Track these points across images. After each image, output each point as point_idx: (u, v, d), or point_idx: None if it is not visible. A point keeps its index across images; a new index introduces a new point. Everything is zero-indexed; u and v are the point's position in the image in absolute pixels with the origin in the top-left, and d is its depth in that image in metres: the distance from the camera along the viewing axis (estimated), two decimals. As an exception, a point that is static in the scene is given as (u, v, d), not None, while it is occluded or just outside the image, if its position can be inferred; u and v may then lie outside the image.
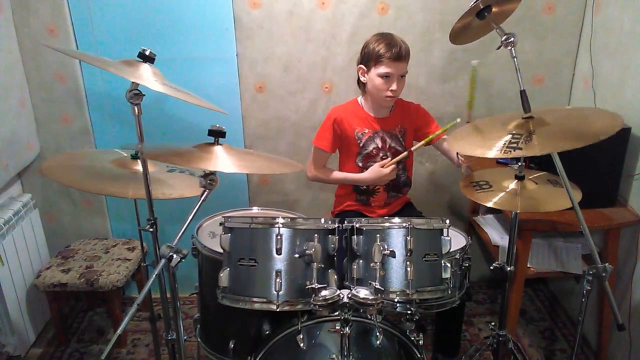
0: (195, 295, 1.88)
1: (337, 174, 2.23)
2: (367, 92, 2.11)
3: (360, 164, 2.20)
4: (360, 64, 2.08)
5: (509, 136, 1.45)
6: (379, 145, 2.16)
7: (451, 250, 1.55)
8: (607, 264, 1.48)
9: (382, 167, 2.12)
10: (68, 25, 2.34)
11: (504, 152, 1.40)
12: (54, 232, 2.70)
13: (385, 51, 1.96)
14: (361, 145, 2.16)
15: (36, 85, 2.45)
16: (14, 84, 2.34)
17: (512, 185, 1.80)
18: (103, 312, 2.75)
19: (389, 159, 2.15)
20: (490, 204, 1.75)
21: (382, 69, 1.99)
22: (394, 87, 2.01)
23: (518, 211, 1.75)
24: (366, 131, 2.15)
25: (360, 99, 2.19)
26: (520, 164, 1.80)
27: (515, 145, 1.40)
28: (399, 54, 1.97)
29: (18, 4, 2.30)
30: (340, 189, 2.32)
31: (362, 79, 2.10)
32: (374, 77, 2.02)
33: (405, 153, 2.14)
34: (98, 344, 2.53)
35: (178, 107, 2.47)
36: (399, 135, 2.19)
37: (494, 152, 1.42)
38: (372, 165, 2.16)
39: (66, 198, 2.66)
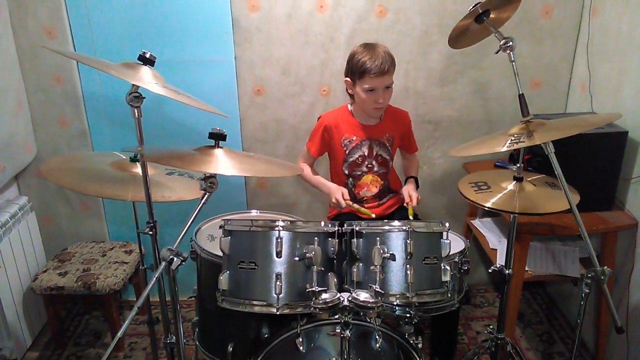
0: (192, 298, 1.87)
1: (310, 175, 2.26)
2: (355, 101, 2.13)
3: (347, 171, 2.22)
4: (347, 77, 2.10)
5: (512, 138, 1.51)
6: (365, 154, 2.18)
7: (450, 254, 1.55)
8: (605, 267, 1.48)
9: (344, 198, 2.08)
10: (66, 27, 2.33)
11: (508, 146, 1.47)
12: (50, 235, 2.68)
13: (368, 66, 1.97)
14: (347, 152, 2.18)
15: (33, 87, 2.44)
16: (11, 86, 2.33)
17: (511, 186, 1.80)
18: (100, 315, 2.74)
19: (374, 169, 2.20)
20: (488, 205, 1.76)
21: (367, 84, 2.00)
22: (380, 100, 2.02)
23: (516, 212, 1.76)
24: (354, 138, 2.17)
25: (350, 106, 2.20)
26: (518, 165, 1.80)
27: (517, 140, 1.47)
28: (382, 69, 1.96)
29: (15, 6, 2.29)
30: None
31: (349, 91, 2.12)
32: (359, 90, 2.04)
33: (369, 212, 2.09)
34: (95, 348, 2.52)
35: (175, 109, 2.47)
36: (387, 143, 2.20)
37: (499, 147, 1.49)
38: (357, 174, 2.21)
39: (63, 201, 2.65)
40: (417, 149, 2.38)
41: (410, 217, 2.04)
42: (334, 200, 2.10)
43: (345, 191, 2.13)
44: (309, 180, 2.29)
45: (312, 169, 2.30)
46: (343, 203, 2.08)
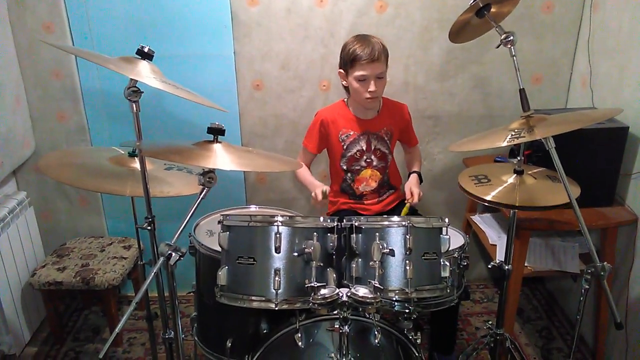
0: (191, 293, 1.86)
1: (301, 174, 2.24)
2: (350, 94, 2.12)
3: (345, 167, 2.21)
4: (340, 68, 2.09)
5: (512, 133, 1.50)
6: (363, 148, 2.17)
7: (450, 249, 1.55)
8: (605, 263, 1.48)
9: (324, 195, 2.04)
10: (64, 23, 2.32)
11: (509, 142, 1.45)
12: (49, 230, 2.68)
13: (359, 53, 1.97)
14: (345, 147, 2.17)
15: (32, 82, 2.43)
16: (9, 81, 2.32)
17: (511, 179, 1.79)
18: (98, 310, 2.74)
19: (372, 164, 2.19)
20: (488, 198, 1.74)
21: (358, 72, 2.00)
22: (371, 88, 2.01)
23: (517, 205, 1.74)
24: (351, 133, 2.16)
25: (347, 100, 2.20)
26: (519, 158, 1.79)
27: (518, 135, 1.46)
28: (372, 55, 1.97)
29: (14, 1, 2.28)
30: (331, 190, 2.32)
31: (343, 83, 2.11)
32: (352, 80, 2.04)
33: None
34: (94, 343, 2.52)
35: (174, 104, 2.46)
36: (386, 137, 2.20)
37: (499, 142, 1.47)
38: (356, 169, 2.20)
39: (61, 196, 2.64)
40: (417, 142, 2.37)
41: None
42: (312, 194, 2.07)
43: (327, 189, 2.10)
44: (299, 180, 2.28)
45: (309, 169, 2.29)
46: (319, 197, 2.03)
